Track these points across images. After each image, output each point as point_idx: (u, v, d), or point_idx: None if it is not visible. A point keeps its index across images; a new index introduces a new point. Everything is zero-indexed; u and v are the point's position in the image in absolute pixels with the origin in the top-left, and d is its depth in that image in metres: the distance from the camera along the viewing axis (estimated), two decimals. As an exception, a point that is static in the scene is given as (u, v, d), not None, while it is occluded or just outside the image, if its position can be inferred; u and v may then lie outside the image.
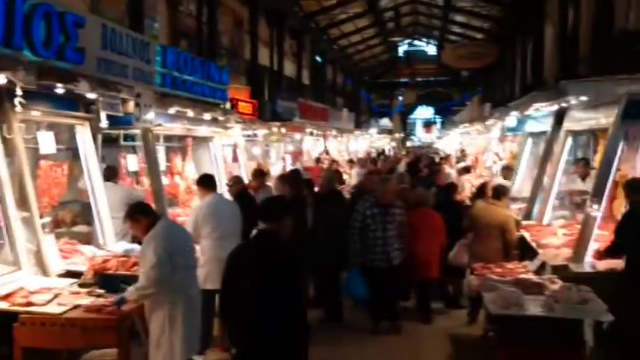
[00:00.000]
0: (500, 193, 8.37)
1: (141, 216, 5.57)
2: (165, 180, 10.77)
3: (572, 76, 13.43)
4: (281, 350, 4.28)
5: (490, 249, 7.90)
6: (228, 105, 12.85)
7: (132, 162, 10.20)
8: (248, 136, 14.76)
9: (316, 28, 29.20)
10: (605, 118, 7.46)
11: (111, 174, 9.01)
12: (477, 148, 22.46)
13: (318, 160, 19.09)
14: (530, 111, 10.66)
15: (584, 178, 9.48)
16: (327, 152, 21.35)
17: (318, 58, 30.85)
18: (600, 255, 6.57)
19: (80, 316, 5.43)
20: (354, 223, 7.79)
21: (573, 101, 7.84)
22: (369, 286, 7.67)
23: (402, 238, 7.92)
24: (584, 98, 7.51)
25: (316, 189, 9.81)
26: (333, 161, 19.48)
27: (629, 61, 8.05)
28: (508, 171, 11.73)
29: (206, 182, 7.57)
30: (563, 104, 8.53)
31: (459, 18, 32.36)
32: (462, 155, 22.67)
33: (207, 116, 11.18)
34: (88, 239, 8.20)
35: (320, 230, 8.37)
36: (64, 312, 5.46)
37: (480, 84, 37.02)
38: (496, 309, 5.55)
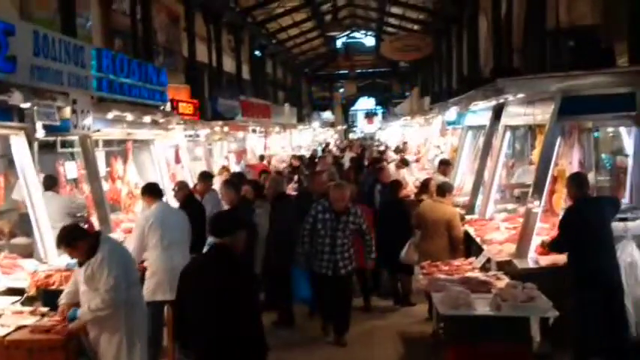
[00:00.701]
0: (444, 190, 8.51)
1: (79, 241, 5.40)
2: (105, 185, 10.54)
3: (506, 69, 13.74)
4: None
5: (437, 246, 8.03)
6: (168, 106, 12.61)
7: (70, 169, 9.93)
8: (190, 136, 14.57)
9: (254, 22, 28.96)
10: (541, 114, 7.65)
11: (51, 183, 8.77)
12: (419, 140, 22.77)
13: (262, 158, 18.96)
14: (472, 107, 10.86)
15: None
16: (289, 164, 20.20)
17: (257, 53, 30.62)
18: (544, 249, 6.74)
19: (25, 338, 5.28)
20: (304, 225, 7.61)
21: (511, 98, 8.02)
22: (315, 292, 7.62)
23: (365, 247, 7.78)
24: (520, 95, 7.68)
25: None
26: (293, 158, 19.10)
27: (560, 57, 8.28)
28: (446, 166, 11.85)
29: (151, 191, 7.43)
30: (502, 100, 8.71)
31: (395, 10, 32.69)
32: (404, 148, 22.79)
33: (147, 119, 10.98)
34: (28, 252, 7.95)
35: (270, 234, 8.29)
36: (8, 334, 5.30)
37: (418, 75, 37.49)
38: (445, 309, 5.64)
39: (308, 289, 7.64)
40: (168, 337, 7.19)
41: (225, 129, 16.56)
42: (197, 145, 15.30)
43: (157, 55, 17.28)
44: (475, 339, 5.56)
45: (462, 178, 12.84)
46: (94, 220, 9.24)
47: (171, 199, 9.70)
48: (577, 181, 6.44)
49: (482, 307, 5.67)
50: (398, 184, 9.78)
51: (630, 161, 7.42)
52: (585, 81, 6.89)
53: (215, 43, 22.51)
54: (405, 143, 25.46)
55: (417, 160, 18.69)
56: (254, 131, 20.35)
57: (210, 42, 22.20)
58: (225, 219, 4.74)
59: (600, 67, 6.98)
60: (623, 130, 8.27)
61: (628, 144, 7.66)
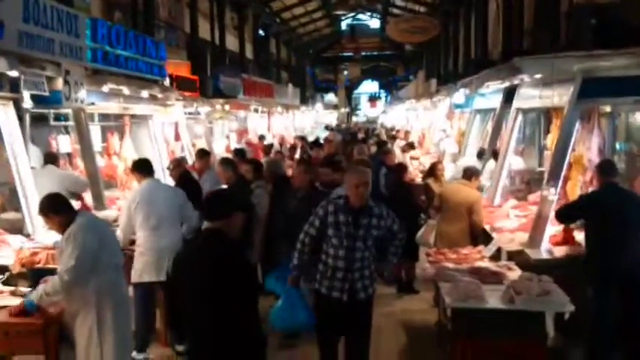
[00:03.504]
0: (471, 173, 8.11)
1: (54, 214, 4.92)
2: (101, 161, 10.22)
3: (517, 51, 13.32)
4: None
5: (457, 229, 7.64)
6: (167, 82, 12.21)
7: (63, 143, 9.59)
8: (190, 113, 14.18)
9: (258, 0, 28.44)
10: (558, 97, 7.23)
11: (52, 159, 8.53)
12: (423, 124, 22.30)
13: (262, 138, 18.51)
14: (482, 89, 10.42)
15: None
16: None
17: (261, 32, 30.09)
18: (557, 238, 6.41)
19: (1, 320, 4.91)
20: (307, 228, 5.42)
21: (527, 79, 7.56)
22: (318, 317, 5.44)
23: (390, 247, 5.49)
24: (538, 76, 7.22)
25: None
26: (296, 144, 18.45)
27: (579, 37, 7.83)
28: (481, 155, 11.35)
29: (140, 167, 7.01)
30: (516, 82, 8.25)
31: (402, -10, 32.25)
32: (405, 133, 22.16)
33: (144, 94, 10.59)
34: (17, 227, 7.59)
35: (270, 219, 7.59)
36: (-15, 314, 4.95)
37: (423, 59, 36.96)
38: (454, 302, 5.26)
39: (309, 313, 5.51)
40: (161, 320, 6.91)
41: (227, 107, 16.14)
42: (197, 124, 14.92)
43: (157, 31, 16.84)
44: (485, 333, 5.20)
45: (470, 162, 12.42)
46: (88, 197, 8.92)
47: (168, 178, 9.35)
48: (606, 168, 6.06)
49: (493, 299, 5.29)
50: (403, 168, 9.40)
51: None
52: (609, 62, 6.43)
53: (218, 21, 22.04)
54: (398, 130, 24.61)
55: (420, 144, 18.23)
56: (256, 111, 19.90)
57: (213, 19, 21.74)
58: (218, 200, 4.18)
59: (625, 47, 6.51)
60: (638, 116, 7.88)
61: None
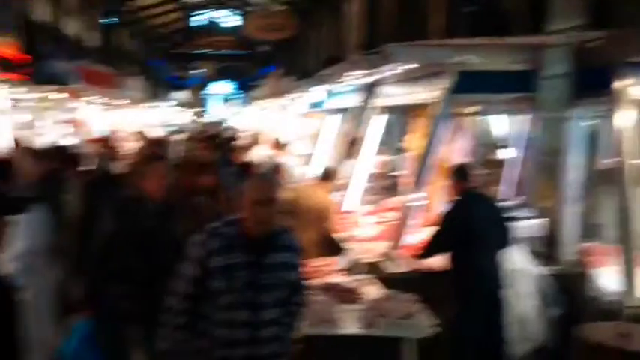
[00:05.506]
0: (329, 174, 7.36)
1: None
2: None
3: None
4: None
5: (308, 240, 6.79)
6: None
7: None
8: (15, 100, 12.31)
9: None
10: (427, 92, 6.55)
11: None
12: (277, 124, 21.45)
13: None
14: (341, 84, 9.68)
15: None
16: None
17: (109, 20, 28.02)
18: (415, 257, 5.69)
19: None
20: (183, 286, 3.30)
21: (395, 70, 6.79)
22: None
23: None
24: (409, 66, 6.45)
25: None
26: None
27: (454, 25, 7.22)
28: None
29: None
30: (380, 75, 7.47)
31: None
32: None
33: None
34: None
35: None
36: None
37: (277, 58, 36.42)
38: (306, 327, 4.38)
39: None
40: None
41: (60, 95, 14.22)
42: (22, 113, 12.95)
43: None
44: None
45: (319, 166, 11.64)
46: None
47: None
48: (463, 173, 5.47)
49: (352, 323, 4.49)
50: (251, 166, 8.43)
51: (513, 153, 6.61)
52: (489, 55, 5.82)
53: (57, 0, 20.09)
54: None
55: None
56: (96, 103, 17.95)
57: (51, -1, 19.80)
58: None
59: (501, 36, 5.95)
60: (492, 118, 7.42)
61: (510, 133, 6.86)
